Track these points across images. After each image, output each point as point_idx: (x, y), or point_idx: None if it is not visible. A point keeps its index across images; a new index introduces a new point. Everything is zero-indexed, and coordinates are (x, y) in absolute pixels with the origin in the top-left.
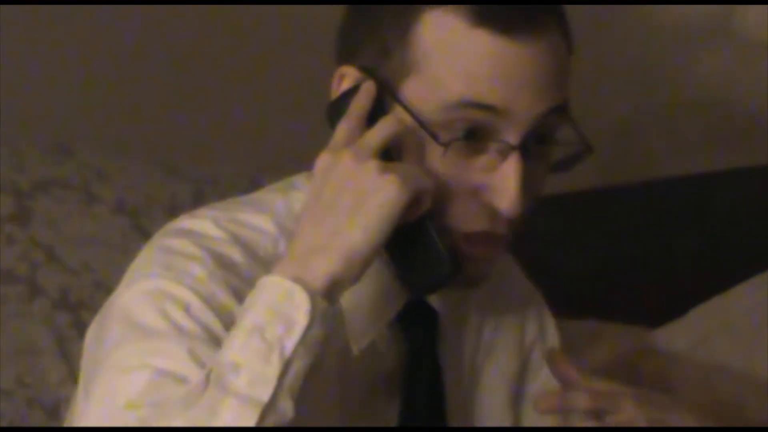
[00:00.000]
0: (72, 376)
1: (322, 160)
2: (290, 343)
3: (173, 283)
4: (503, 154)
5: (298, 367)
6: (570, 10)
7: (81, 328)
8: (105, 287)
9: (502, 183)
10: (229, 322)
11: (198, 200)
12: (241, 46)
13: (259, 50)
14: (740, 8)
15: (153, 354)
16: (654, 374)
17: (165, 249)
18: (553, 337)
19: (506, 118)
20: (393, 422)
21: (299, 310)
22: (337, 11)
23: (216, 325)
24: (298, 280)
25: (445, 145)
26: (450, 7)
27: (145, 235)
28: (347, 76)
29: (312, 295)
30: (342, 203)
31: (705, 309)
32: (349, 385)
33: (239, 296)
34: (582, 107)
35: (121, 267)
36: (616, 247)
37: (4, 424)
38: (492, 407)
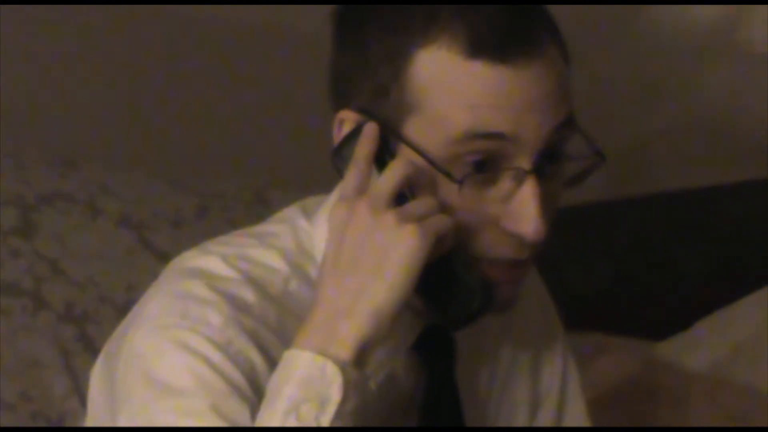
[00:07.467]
0: (76, 389)
1: (338, 213)
2: (326, 419)
3: (191, 334)
4: (518, 180)
5: None
6: (574, 29)
7: (86, 341)
8: (110, 301)
9: (522, 209)
10: (247, 368)
11: (203, 214)
12: (247, 61)
13: (264, 65)
14: (744, 23)
15: (179, 413)
16: (669, 389)
17: (179, 294)
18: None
19: (515, 143)
20: None
21: (331, 385)
22: None
23: (236, 375)
24: (326, 351)
25: (460, 183)
26: (442, 42)
27: (150, 248)
28: (347, 121)
29: (343, 367)
30: (363, 261)
31: (709, 323)
32: (364, 413)
33: (254, 338)
34: (587, 122)
35: (125, 280)
36: (620, 260)
37: None
38: None
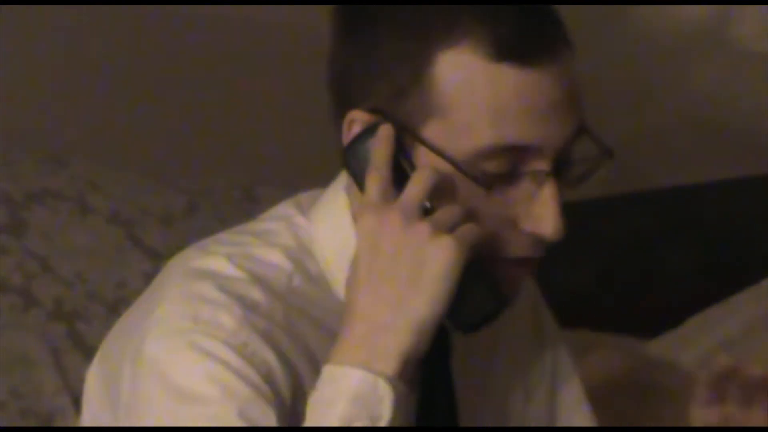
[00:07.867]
0: (66, 386)
1: (367, 221)
2: None
3: (206, 338)
4: (539, 182)
5: None
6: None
7: (75, 338)
8: (99, 298)
9: (544, 210)
10: (263, 369)
11: (192, 211)
12: (236, 59)
13: (252, 63)
14: (735, 20)
15: (206, 421)
16: (660, 387)
17: (188, 296)
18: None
19: (538, 147)
20: None
21: (383, 402)
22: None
23: (256, 377)
24: (371, 367)
25: (489, 189)
26: (466, 45)
27: (139, 246)
28: (357, 121)
29: (393, 384)
30: (399, 274)
31: (700, 320)
32: None
33: (266, 337)
34: None
35: (115, 277)
36: (610, 257)
37: None
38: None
